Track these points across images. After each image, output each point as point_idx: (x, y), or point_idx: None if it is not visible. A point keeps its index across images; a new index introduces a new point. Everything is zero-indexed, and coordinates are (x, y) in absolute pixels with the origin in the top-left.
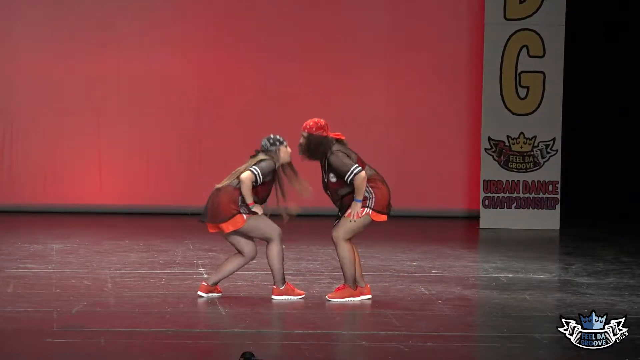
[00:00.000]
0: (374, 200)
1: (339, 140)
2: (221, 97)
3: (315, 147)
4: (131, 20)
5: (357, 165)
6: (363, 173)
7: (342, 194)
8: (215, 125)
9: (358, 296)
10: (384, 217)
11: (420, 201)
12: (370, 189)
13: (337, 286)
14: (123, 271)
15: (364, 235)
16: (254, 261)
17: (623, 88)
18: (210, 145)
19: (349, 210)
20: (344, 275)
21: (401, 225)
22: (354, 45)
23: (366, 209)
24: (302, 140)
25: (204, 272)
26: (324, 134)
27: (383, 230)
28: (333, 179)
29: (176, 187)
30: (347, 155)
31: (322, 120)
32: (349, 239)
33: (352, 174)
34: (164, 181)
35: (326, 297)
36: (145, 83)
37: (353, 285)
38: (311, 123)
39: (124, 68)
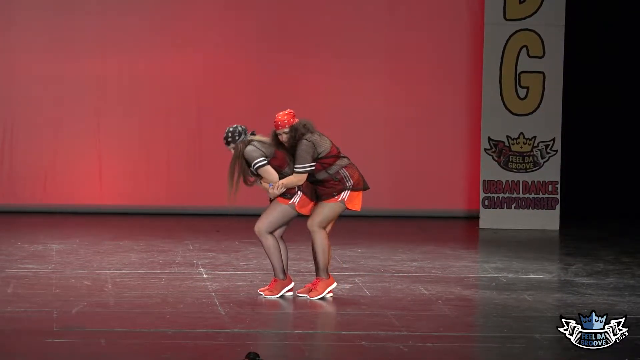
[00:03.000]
0: (352, 182)
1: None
2: (221, 96)
3: (298, 137)
4: (131, 20)
5: (311, 166)
6: (303, 177)
7: (319, 178)
8: (216, 125)
9: (333, 283)
10: (358, 205)
11: (420, 201)
12: (346, 172)
13: (311, 283)
14: (123, 271)
15: (364, 235)
16: (254, 261)
17: (623, 88)
18: (210, 145)
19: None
20: (315, 265)
21: (401, 225)
22: (354, 45)
23: (343, 193)
24: (284, 137)
25: (203, 273)
26: (296, 120)
27: (383, 230)
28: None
29: (176, 187)
30: (314, 148)
31: (287, 110)
32: (325, 228)
33: (301, 168)
34: (164, 181)
35: (308, 298)
36: (145, 83)
37: (326, 274)
38: (286, 117)
39: (124, 68)
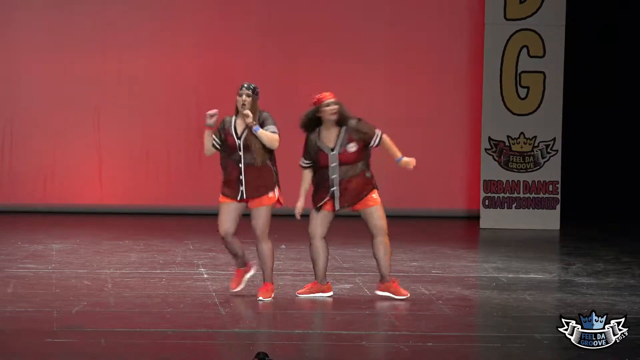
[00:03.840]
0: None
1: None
2: (221, 96)
3: (346, 114)
4: (131, 20)
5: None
6: (384, 138)
7: (354, 173)
8: (215, 125)
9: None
10: None
11: (420, 201)
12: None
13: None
14: (123, 271)
15: (364, 235)
16: (254, 261)
17: (623, 88)
18: None
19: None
20: (313, 271)
21: (401, 225)
22: (354, 45)
23: (376, 191)
24: (334, 108)
25: (203, 272)
26: None
27: None
28: (353, 149)
29: (176, 187)
30: None
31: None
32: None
33: (379, 138)
34: (164, 181)
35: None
36: (145, 83)
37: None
38: (329, 94)
39: (124, 68)
